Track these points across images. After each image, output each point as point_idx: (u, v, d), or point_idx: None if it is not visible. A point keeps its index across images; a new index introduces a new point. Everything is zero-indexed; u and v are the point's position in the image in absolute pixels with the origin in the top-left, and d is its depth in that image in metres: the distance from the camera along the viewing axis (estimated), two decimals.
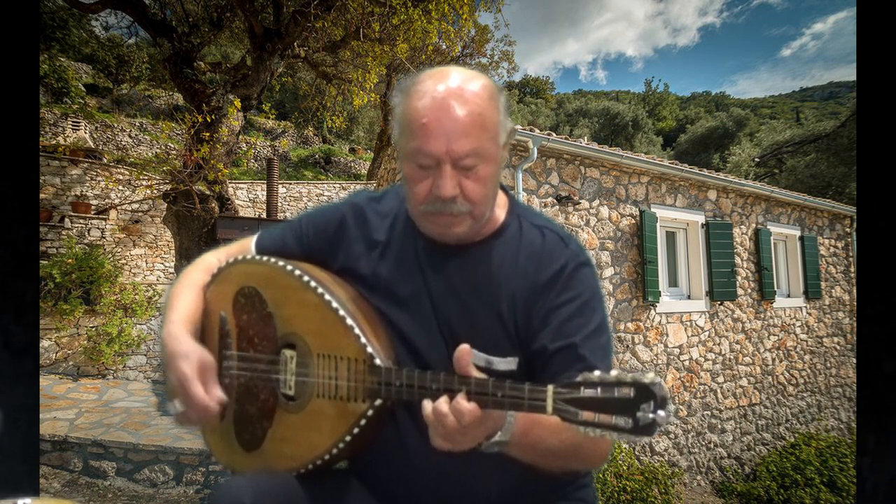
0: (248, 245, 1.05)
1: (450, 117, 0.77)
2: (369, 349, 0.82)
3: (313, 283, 0.89)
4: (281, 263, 0.93)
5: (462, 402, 0.69)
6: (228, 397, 0.97)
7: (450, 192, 0.79)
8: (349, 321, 0.84)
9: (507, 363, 0.86)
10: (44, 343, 5.77)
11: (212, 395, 0.84)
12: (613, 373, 0.64)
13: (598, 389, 0.64)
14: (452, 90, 0.78)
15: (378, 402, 0.81)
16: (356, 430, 0.83)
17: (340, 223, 0.99)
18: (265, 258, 0.97)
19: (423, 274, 0.91)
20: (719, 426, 6.51)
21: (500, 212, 0.95)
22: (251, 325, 0.95)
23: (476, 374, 0.73)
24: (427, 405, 0.72)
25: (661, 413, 0.61)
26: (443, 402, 0.71)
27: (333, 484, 0.91)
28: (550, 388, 0.67)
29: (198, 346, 0.87)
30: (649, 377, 0.62)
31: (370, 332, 0.86)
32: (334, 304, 0.86)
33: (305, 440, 0.88)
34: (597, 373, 0.65)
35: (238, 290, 0.97)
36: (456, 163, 0.79)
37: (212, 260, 1.04)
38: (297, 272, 0.91)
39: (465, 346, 0.73)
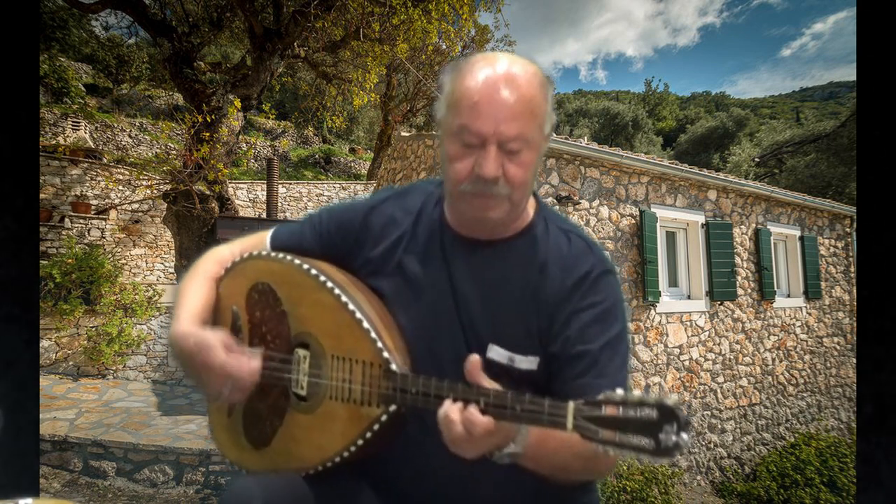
0: (263, 239, 1.03)
1: (501, 99, 0.77)
2: (385, 354, 0.81)
3: (330, 284, 0.87)
4: (297, 262, 0.92)
5: (475, 413, 0.69)
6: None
7: (492, 173, 0.79)
8: (366, 324, 0.83)
9: (528, 362, 0.85)
10: (44, 343, 5.77)
11: (252, 365, 0.87)
12: (636, 393, 0.64)
13: (620, 409, 0.63)
14: (506, 73, 0.79)
15: (392, 408, 0.80)
16: (368, 435, 0.82)
17: (363, 222, 0.98)
18: (281, 255, 0.95)
19: (448, 267, 0.90)
20: (719, 426, 6.51)
21: (529, 212, 0.94)
22: (264, 322, 0.94)
23: (487, 382, 0.72)
24: (441, 409, 0.72)
25: (683, 436, 0.61)
26: (454, 409, 0.71)
27: (342, 485, 0.90)
28: (571, 404, 0.66)
29: (211, 332, 0.87)
30: (673, 400, 0.62)
31: (386, 336, 0.84)
32: (351, 307, 0.84)
33: (316, 442, 0.87)
34: (619, 391, 0.65)
35: (252, 285, 0.96)
36: (502, 145, 0.79)
37: (225, 252, 1.03)
38: (314, 272, 0.89)
39: (475, 357, 0.73)
